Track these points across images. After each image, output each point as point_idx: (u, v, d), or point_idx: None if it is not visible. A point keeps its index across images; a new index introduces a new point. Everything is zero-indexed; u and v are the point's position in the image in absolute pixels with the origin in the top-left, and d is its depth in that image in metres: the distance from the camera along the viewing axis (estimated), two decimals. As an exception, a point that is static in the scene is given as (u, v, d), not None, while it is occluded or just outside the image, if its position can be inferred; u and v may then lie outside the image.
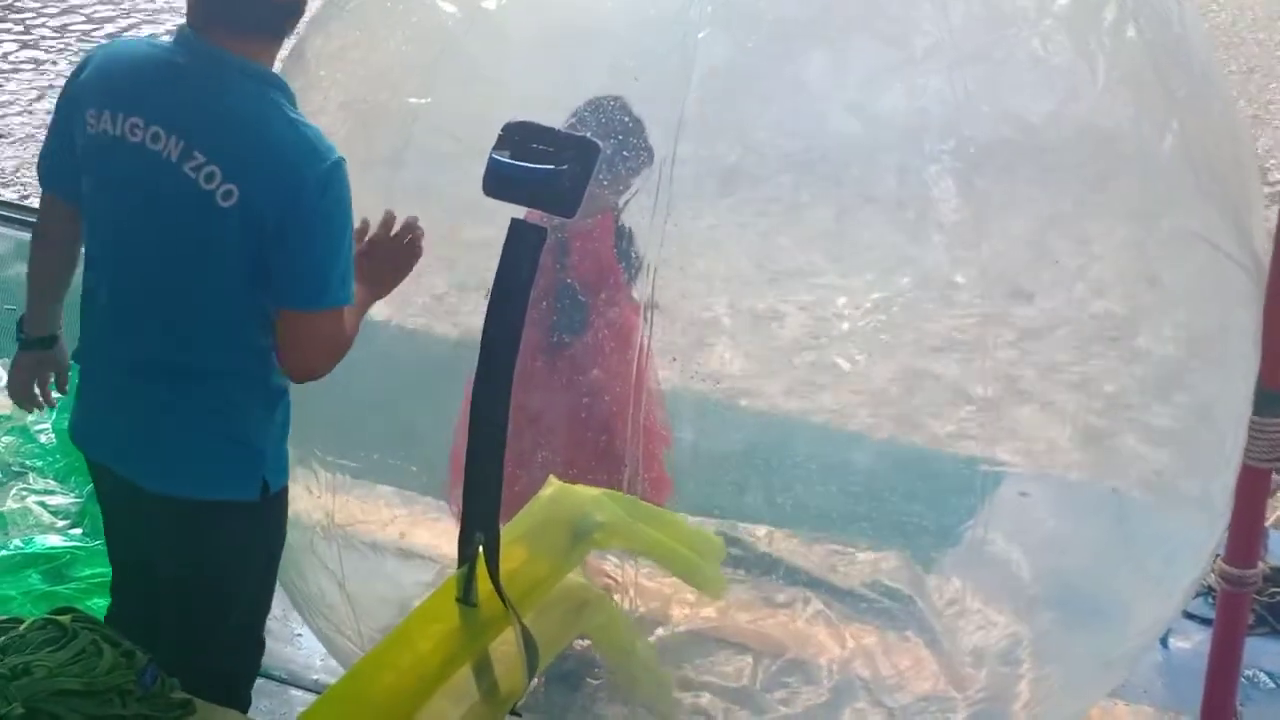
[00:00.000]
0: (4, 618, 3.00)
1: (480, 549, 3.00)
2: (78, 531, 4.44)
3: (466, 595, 3.04)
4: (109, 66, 3.04)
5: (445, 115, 3.55)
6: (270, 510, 3.14)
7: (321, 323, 2.94)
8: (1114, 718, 4.00)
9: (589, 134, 3.16)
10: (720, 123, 3.39)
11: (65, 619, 2.91)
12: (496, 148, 2.93)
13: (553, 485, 3.42)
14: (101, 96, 2.99)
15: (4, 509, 4.54)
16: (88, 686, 2.77)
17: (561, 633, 3.37)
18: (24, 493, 4.63)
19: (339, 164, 2.89)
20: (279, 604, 3.57)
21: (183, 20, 3.03)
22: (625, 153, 3.38)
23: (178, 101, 2.93)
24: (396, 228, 3.15)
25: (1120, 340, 3.47)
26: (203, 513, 3.06)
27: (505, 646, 3.09)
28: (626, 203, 3.46)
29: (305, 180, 2.86)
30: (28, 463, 4.82)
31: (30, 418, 5.02)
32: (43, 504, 4.59)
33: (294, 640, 4.27)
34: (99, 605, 3.94)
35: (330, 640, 3.95)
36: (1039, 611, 3.63)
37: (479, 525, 3.00)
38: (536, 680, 3.29)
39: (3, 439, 4.92)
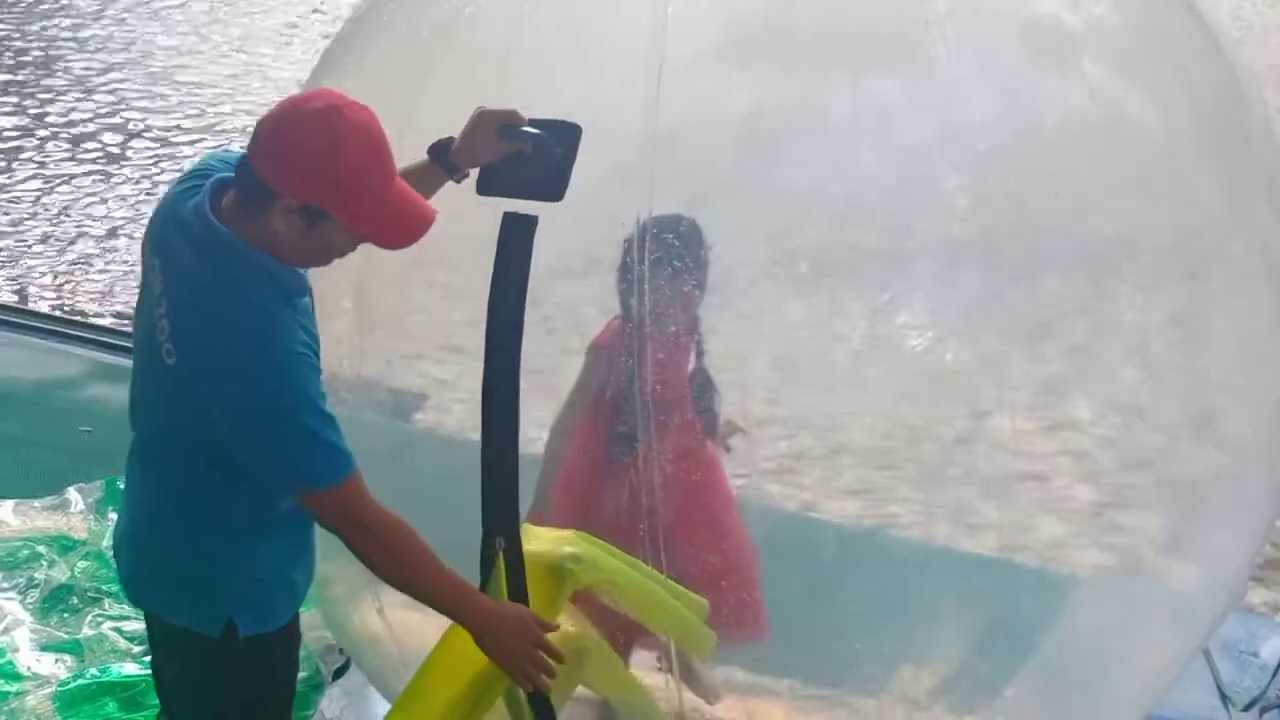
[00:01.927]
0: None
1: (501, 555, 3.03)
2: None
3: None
4: (169, 199, 3.06)
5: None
6: (237, 654, 3.12)
7: (310, 501, 2.96)
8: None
9: (655, 247, 3.25)
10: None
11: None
12: None
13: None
14: (151, 228, 3.05)
15: (80, 636, 4.58)
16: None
17: (565, 682, 3.31)
18: (100, 619, 4.67)
19: (275, 356, 2.85)
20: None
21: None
22: (694, 269, 3.41)
23: (178, 249, 2.95)
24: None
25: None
26: (172, 634, 3.16)
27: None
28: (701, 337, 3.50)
29: (237, 376, 2.84)
30: (103, 588, 4.85)
31: (106, 542, 5.08)
32: (119, 630, 4.62)
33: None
34: (175, 733, 3.98)
35: (380, 680, 3.97)
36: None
37: (499, 530, 3.02)
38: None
39: (79, 564, 4.97)
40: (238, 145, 3.54)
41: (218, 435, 2.89)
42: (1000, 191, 3.35)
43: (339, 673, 4.45)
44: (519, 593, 3.06)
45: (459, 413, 3.71)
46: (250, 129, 2.92)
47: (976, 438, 3.40)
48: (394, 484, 3.17)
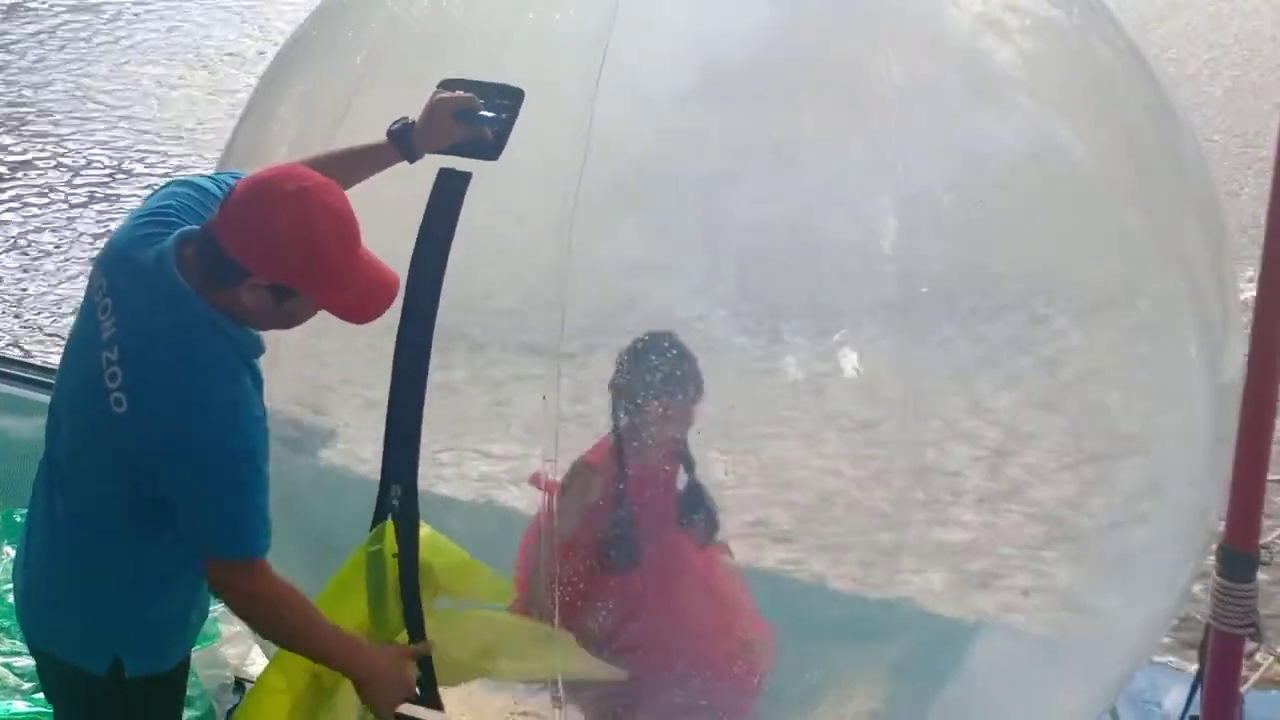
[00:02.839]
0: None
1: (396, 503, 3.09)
2: (42, 695, 4.35)
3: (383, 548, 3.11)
4: (125, 237, 3.05)
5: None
6: (122, 692, 3.10)
7: (217, 566, 2.96)
8: None
9: (643, 367, 3.39)
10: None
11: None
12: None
13: None
14: (104, 264, 3.04)
15: (-32, 671, 4.48)
16: None
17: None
18: (-11, 655, 4.58)
19: (229, 417, 2.88)
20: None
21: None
22: (683, 387, 3.47)
23: (133, 295, 2.95)
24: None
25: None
26: (57, 669, 3.16)
27: None
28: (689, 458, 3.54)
29: (190, 433, 2.86)
30: (-6, 623, 4.77)
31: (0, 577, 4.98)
32: (8, 665, 4.54)
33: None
34: (61, 772, 3.88)
35: None
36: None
37: (397, 477, 3.07)
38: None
39: (-31, 599, 4.88)
40: (197, 173, 3.50)
41: (158, 487, 2.88)
42: (935, 226, 3.34)
43: (233, 713, 4.37)
44: (409, 544, 3.12)
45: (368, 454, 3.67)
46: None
47: (893, 482, 3.39)
48: (290, 522, 3.17)
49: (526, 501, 3.51)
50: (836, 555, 3.53)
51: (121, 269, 2.97)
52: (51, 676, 3.23)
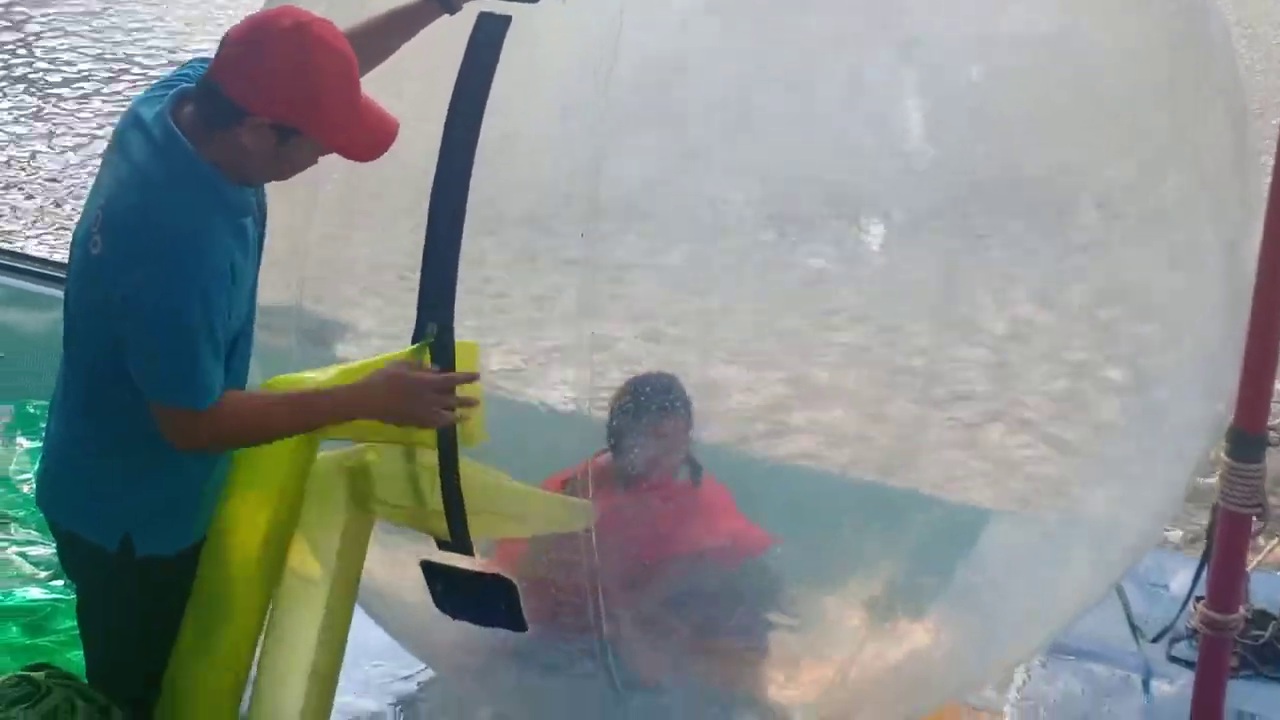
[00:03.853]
0: (-23, 674, 3.00)
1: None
2: (59, 583, 4.41)
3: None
4: (138, 101, 3.04)
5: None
6: (133, 571, 3.10)
7: (162, 414, 2.93)
8: (1099, 762, 3.99)
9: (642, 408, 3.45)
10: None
11: (39, 675, 2.91)
12: None
13: None
14: (116, 128, 3.05)
15: (-15, 560, 4.53)
16: (60, 744, 2.77)
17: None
18: (4, 543, 4.61)
19: (190, 263, 2.83)
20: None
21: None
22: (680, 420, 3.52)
23: (134, 149, 2.95)
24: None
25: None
26: (74, 545, 3.17)
27: None
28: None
29: (148, 267, 2.82)
30: (9, 513, 4.79)
31: (12, 468, 5.02)
32: (24, 555, 4.56)
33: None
34: (79, 658, 3.92)
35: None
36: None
37: (434, 315, 3.05)
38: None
39: (-17, 489, 4.92)
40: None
41: (120, 333, 2.88)
42: (963, 122, 3.32)
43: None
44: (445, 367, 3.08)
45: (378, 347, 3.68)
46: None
47: (910, 373, 3.40)
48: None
49: (556, 393, 3.52)
50: (855, 447, 3.53)
51: (127, 127, 2.98)
52: (69, 553, 3.25)
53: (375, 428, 3.06)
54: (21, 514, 4.79)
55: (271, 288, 3.19)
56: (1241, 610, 3.66)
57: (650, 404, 3.51)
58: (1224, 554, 3.59)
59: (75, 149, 10.01)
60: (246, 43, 2.85)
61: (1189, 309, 3.58)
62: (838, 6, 3.45)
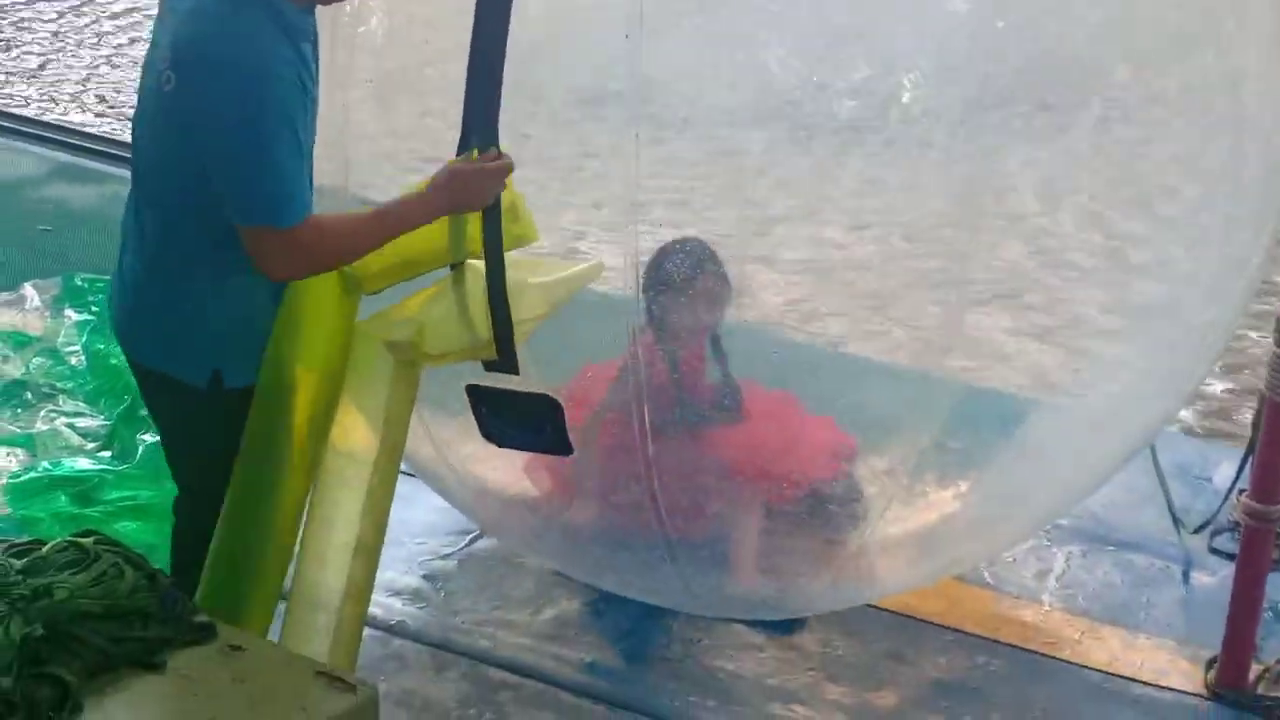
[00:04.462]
0: (26, 540, 3.02)
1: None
2: (107, 454, 4.46)
3: None
4: None
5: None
6: (223, 405, 3.15)
7: (253, 240, 2.94)
8: (1136, 651, 3.99)
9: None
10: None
11: (87, 541, 2.93)
12: None
13: None
14: None
15: (33, 431, 4.56)
16: (108, 609, 2.79)
17: None
18: (53, 414, 4.65)
19: (262, 73, 2.86)
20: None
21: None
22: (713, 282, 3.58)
23: None
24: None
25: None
26: (158, 383, 3.21)
27: None
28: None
29: (223, 84, 2.87)
30: (58, 385, 4.84)
31: (61, 339, 5.06)
32: (72, 426, 4.61)
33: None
34: (126, 528, 3.98)
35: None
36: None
37: (478, 135, 3.08)
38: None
39: (33, 361, 4.95)
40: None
41: (203, 163, 2.90)
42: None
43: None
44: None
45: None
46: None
47: (944, 261, 3.41)
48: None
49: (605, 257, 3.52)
50: (903, 337, 3.54)
51: None
52: (152, 391, 3.28)
53: (427, 248, 3.16)
54: (70, 385, 4.83)
55: (318, 172, 3.20)
56: (1284, 503, 3.66)
57: (686, 262, 3.54)
58: (1268, 445, 3.58)
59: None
60: None
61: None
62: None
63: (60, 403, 4.75)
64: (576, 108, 3.56)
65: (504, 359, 3.21)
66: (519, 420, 3.33)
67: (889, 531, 3.70)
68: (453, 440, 3.77)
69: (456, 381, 3.33)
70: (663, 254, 3.56)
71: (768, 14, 3.37)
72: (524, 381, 3.28)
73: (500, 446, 3.45)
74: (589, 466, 3.72)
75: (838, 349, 3.71)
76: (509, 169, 3.10)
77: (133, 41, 9.55)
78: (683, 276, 3.54)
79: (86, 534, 2.98)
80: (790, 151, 3.51)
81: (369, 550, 3.23)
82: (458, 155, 3.10)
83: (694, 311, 3.61)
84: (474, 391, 3.30)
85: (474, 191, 3.08)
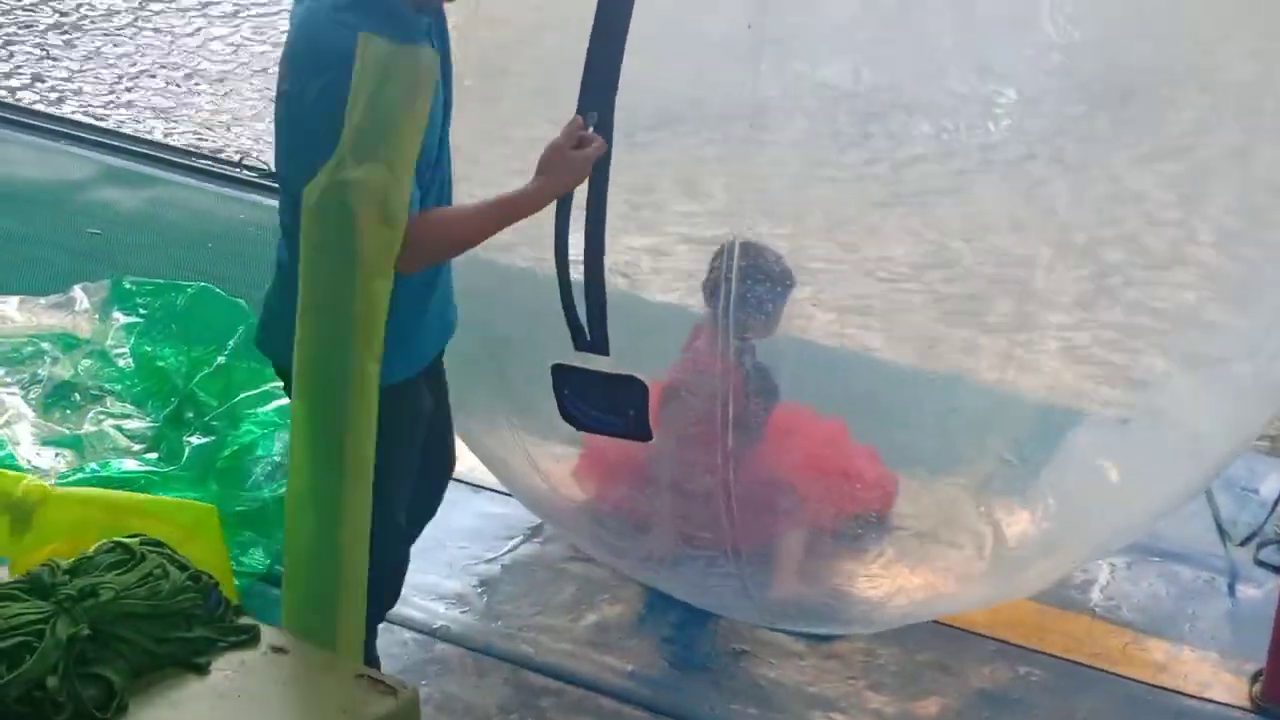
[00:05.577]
0: (74, 540, 3.06)
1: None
2: (153, 456, 4.48)
3: None
4: None
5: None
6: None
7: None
8: (1180, 663, 3.97)
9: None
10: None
11: (133, 542, 2.96)
12: None
13: None
14: None
15: (81, 432, 4.58)
16: (153, 609, 2.82)
17: None
18: (101, 416, 4.67)
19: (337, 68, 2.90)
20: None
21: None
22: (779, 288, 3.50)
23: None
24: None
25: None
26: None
27: None
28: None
29: (315, 74, 2.94)
30: (105, 386, 4.86)
31: (109, 341, 5.09)
32: (119, 428, 4.63)
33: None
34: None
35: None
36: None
37: (594, 104, 3.13)
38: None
39: (82, 362, 4.97)
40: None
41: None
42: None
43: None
44: (603, 161, 3.17)
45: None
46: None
47: (1010, 280, 3.41)
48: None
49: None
50: (947, 350, 3.52)
51: None
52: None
53: None
54: (118, 388, 4.85)
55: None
56: (1331, 514, 3.63)
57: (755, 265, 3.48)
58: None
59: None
60: None
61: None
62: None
63: (108, 404, 4.76)
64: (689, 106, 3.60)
65: (596, 339, 3.20)
66: (603, 403, 3.33)
67: (948, 556, 3.69)
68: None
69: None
70: (752, 250, 3.49)
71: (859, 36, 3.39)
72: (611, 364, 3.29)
73: (578, 429, 3.44)
74: (666, 452, 3.69)
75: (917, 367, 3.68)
76: (603, 148, 3.14)
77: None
78: (781, 269, 3.48)
79: (131, 536, 3.00)
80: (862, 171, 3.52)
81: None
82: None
83: (776, 307, 3.55)
84: (559, 371, 3.29)
85: (570, 167, 3.14)
